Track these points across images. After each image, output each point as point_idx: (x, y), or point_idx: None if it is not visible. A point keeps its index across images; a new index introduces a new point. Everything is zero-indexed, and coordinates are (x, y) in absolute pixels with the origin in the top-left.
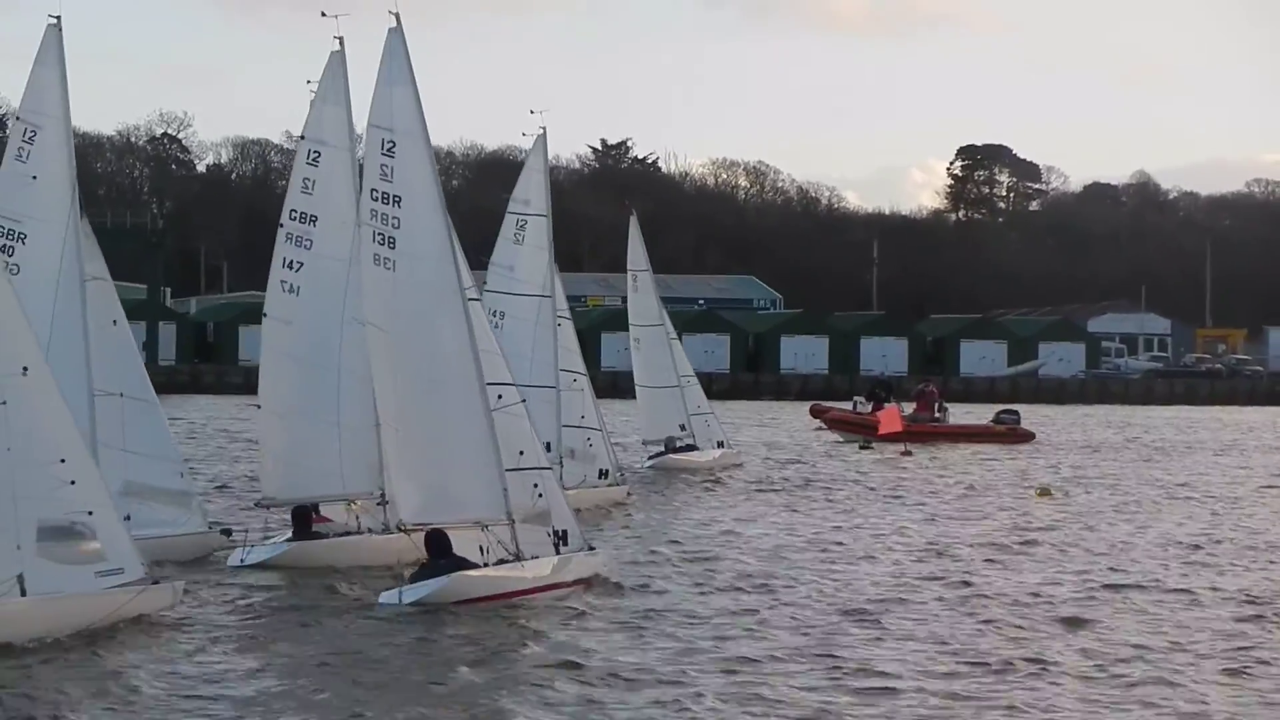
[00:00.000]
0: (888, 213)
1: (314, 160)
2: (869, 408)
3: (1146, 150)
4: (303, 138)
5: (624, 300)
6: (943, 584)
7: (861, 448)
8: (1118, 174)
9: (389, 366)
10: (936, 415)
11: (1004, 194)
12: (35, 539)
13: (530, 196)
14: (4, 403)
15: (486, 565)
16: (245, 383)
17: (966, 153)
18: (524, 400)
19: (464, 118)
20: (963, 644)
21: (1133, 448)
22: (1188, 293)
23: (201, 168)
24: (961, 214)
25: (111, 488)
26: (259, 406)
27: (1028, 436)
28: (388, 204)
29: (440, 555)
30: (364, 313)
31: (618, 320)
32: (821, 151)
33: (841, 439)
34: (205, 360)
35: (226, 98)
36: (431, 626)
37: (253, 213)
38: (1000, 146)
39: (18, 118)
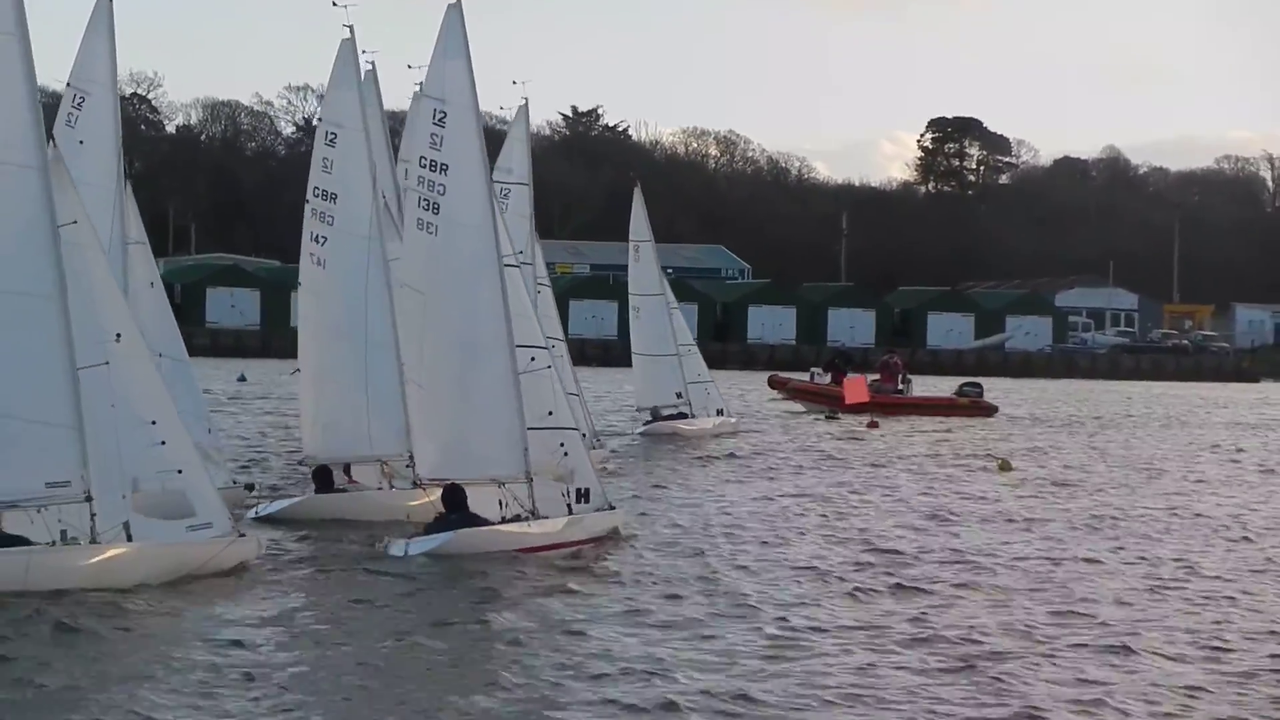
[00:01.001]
0: (857, 184)
1: (331, 141)
2: (827, 378)
3: (1116, 126)
4: (320, 120)
5: (592, 268)
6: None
7: (827, 418)
8: (1088, 149)
9: (420, 327)
10: (900, 387)
11: (974, 167)
12: (141, 494)
13: (513, 165)
14: (106, 363)
15: (505, 521)
16: (212, 344)
17: (937, 125)
18: (549, 366)
19: None
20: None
21: (1086, 422)
22: (1156, 269)
23: (171, 129)
24: (931, 187)
25: None
26: (298, 370)
27: (990, 409)
28: (435, 171)
29: (454, 510)
30: (400, 274)
31: (586, 288)
32: (792, 122)
33: (805, 409)
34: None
35: (197, 59)
36: (433, 577)
37: (222, 174)
38: (971, 120)
39: (69, 84)
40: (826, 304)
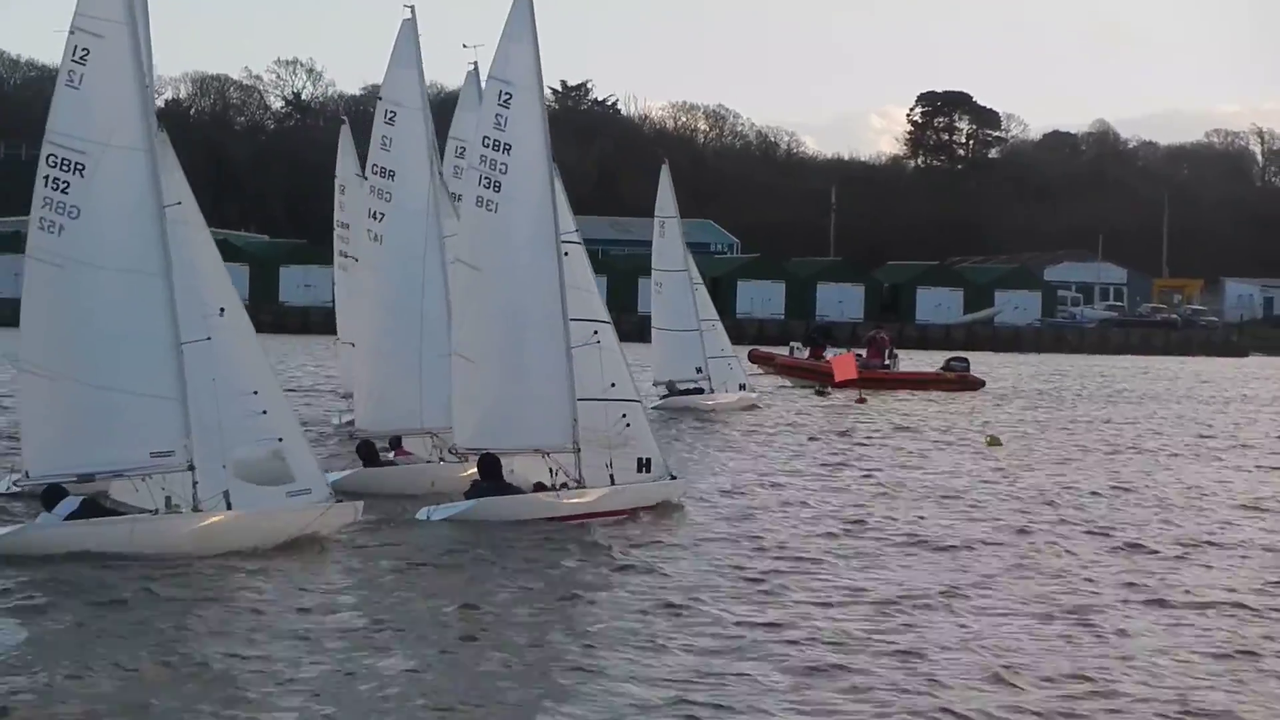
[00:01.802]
0: (847, 158)
1: (390, 119)
2: (805, 353)
3: (1106, 100)
4: (380, 99)
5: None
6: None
7: (817, 393)
8: (1077, 123)
9: (474, 302)
10: (886, 362)
11: (963, 141)
12: (234, 461)
13: (465, 134)
14: (209, 338)
15: (551, 489)
16: None
17: (927, 99)
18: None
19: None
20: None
21: (1070, 398)
22: (1145, 243)
23: (160, 102)
24: (920, 161)
25: None
26: (353, 345)
27: (977, 384)
28: (498, 151)
29: (488, 478)
30: (454, 250)
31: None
32: (781, 96)
33: (791, 384)
34: None
35: (186, 33)
36: (459, 539)
37: (211, 149)
38: (961, 94)
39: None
40: (815, 278)
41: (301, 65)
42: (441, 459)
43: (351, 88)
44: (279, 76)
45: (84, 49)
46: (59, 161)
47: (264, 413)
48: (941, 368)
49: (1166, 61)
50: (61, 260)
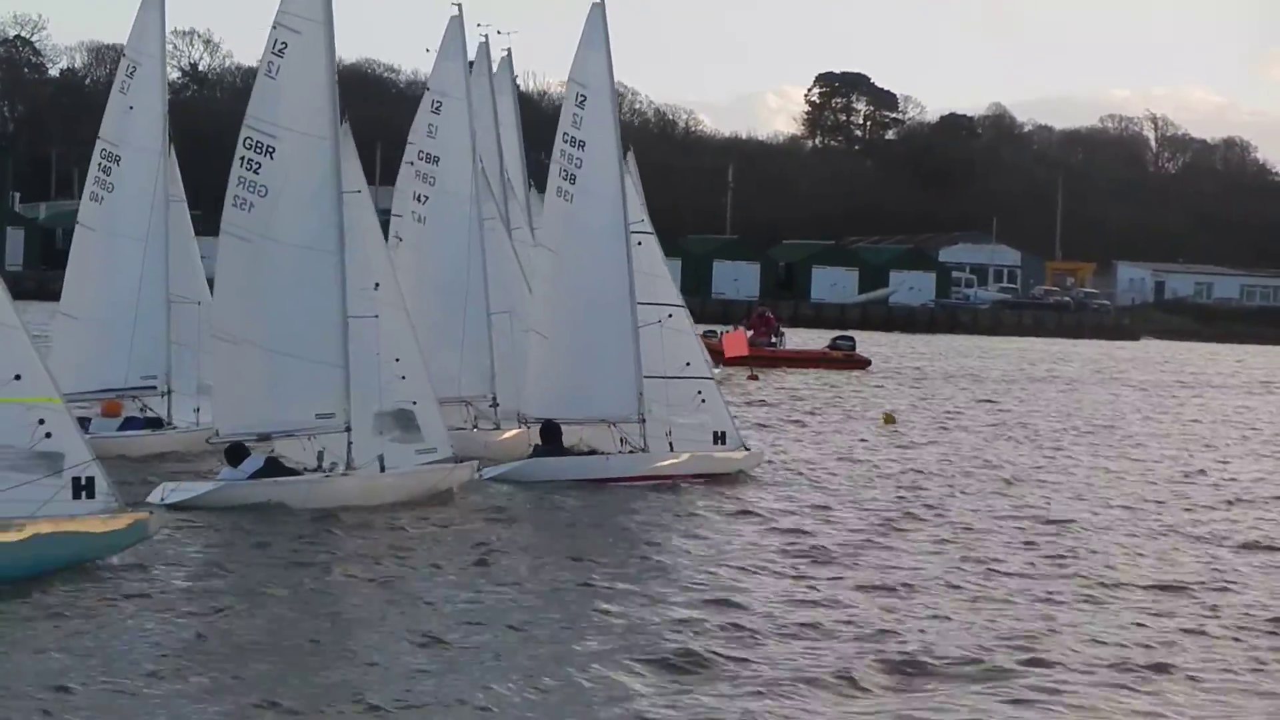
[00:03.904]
0: (744, 137)
1: (436, 109)
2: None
3: (1001, 83)
4: (428, 89)
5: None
6: None
7: (749, 379)
8: (973, 106)
9: (551, 284)
10: (773, 340)
11: (861, 122)
12: (382, 422)
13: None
14: (376, 316)
15: (611, 455)
16: None
17: (824, 80)
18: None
19: None
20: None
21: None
22: (1039, 226)
23: (55, 72)
24: (818, 141)
25: (181, 384)
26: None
27: (863, 363)
28: (574, 147)
29: (548, 443)
30: (539, 236)
31: None
32: (679, 74)
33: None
34: (52, 267)
35: (83, 1)
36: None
37: None
38: (858, 75)
39: (124, 54)
40: (711, 256)
41: (199, 36)
42: (475, 427)
43: (249, 60)
44: (175, 47)
45: (283, 43)
46: (254, 144)
47: (403, 378)
48: (828, 346)
49: (1060, 46)
50: (249, 234)
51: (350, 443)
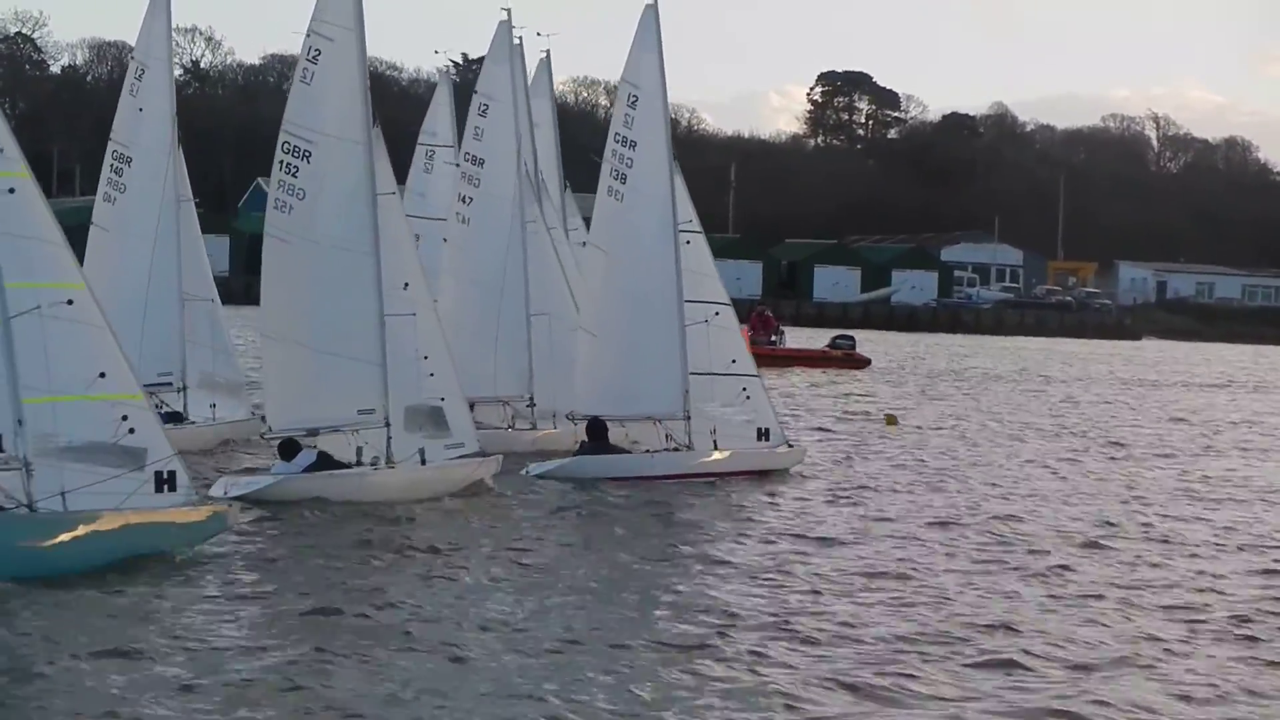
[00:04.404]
0: (747, 136)
1: (483, 111)
2: None
3: (1003, 83)
4: (476, 92)
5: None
6: None
7: None
8: (975, 105)
9: (602, 282)
10: (774, 339)
11: (863, 121)
12: (418, 419)
13: (437, 128)
14: (414, 314)
15: (653, 452)
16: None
17: (827, 79)
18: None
19: None
20: None
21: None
22: (1041, 226)
23: (56, 69)
24: (820, 140)
25: (193, 380)
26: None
27: (863, 362)
28: (625, 146)
29: (594, 440)
30: (589, 235)
31: None
32: (681, 73)
33: None
34: None
35: None
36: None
37: (108, 117)
38: (861, 74)
39: (132, 57)
40: (713, 255)
41: (200, 33)
42: (510, 427)
43: (250, 57)
44: (177, 44)
45: (316, 50)
46: (291, 148)
47: (432, 375)
48: (827, 345)
49: (1061, 45)
50: (289, 236)
51: (389, 438)
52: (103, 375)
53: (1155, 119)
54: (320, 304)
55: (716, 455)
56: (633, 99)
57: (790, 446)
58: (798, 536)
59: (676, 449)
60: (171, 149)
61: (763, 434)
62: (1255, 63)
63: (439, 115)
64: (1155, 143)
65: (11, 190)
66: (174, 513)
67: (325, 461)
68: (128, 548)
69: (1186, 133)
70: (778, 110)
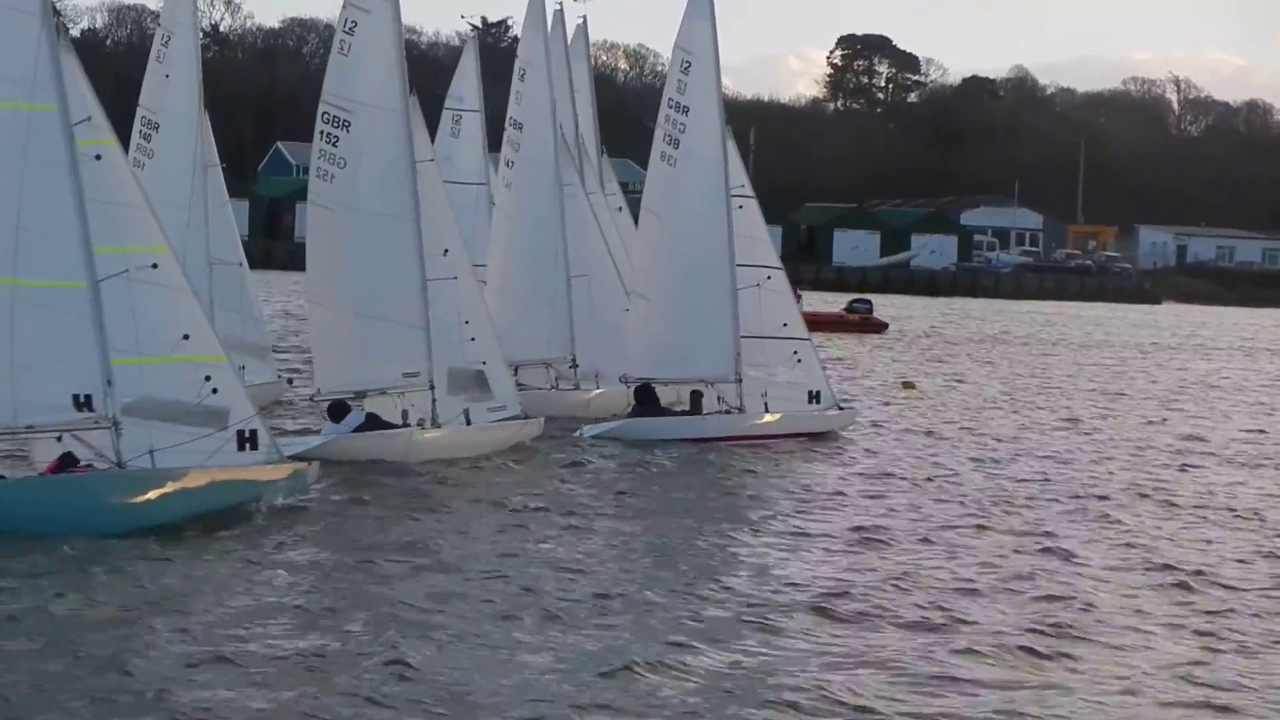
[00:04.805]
0: (766, 100)
1: (522, 76)
2: None
3: (1024, 45)
4: (516, 57)
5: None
6: None
7: None
8: (996, 68)
9: (655, 246)
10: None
11: (883, 85)
12: (461, 382)
13: (464, 93)
14: (455, 278)
15: (709, 415)
16: None
17: (846, 42)
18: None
19: None
20: None
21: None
22: (1061, 189)
23: (76, 32)
24: (840, 104)
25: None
26: (484, 282)
27: (880, 326)
28: (678, 112)
29: (644, 404)
30: (644, 200)
31: None
32: None
33: None
34: None
35: None
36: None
37: (126, 81)
38: (880, 37)
39: (158, 24)
40: None
41: None
42: (554, 388)
43: (270, 20)
44: (197, 8)
45: (353, 21)
46: (331, 118)
47: (473, 339)
48: (844, 309)
49: (1082, 7)
50: (331, 204)
51: (434, 400)
52: (186, 337)
53: (1176, 82)
54: (363, 270)
55: (768, 418)
56: (686, 65)
57: (841, 409)
58: (842, 500)
59: (728, 411)
60: (199, 114)
61: (813, 396)
62: (1277, 24)
63: (465, 80)
64: (1176, 106)
65: (98, 157)
66: (256, 470)
67: (374, 422)
68: (213, 504)
69: (1207, 95)
70: (797, 74)
